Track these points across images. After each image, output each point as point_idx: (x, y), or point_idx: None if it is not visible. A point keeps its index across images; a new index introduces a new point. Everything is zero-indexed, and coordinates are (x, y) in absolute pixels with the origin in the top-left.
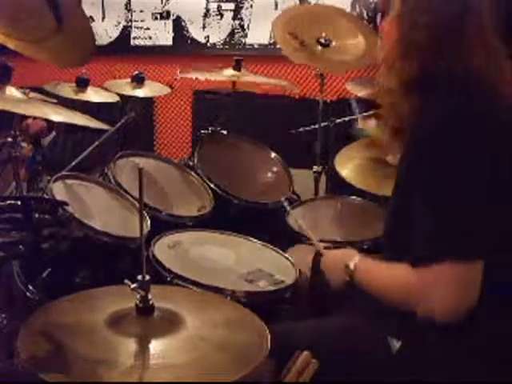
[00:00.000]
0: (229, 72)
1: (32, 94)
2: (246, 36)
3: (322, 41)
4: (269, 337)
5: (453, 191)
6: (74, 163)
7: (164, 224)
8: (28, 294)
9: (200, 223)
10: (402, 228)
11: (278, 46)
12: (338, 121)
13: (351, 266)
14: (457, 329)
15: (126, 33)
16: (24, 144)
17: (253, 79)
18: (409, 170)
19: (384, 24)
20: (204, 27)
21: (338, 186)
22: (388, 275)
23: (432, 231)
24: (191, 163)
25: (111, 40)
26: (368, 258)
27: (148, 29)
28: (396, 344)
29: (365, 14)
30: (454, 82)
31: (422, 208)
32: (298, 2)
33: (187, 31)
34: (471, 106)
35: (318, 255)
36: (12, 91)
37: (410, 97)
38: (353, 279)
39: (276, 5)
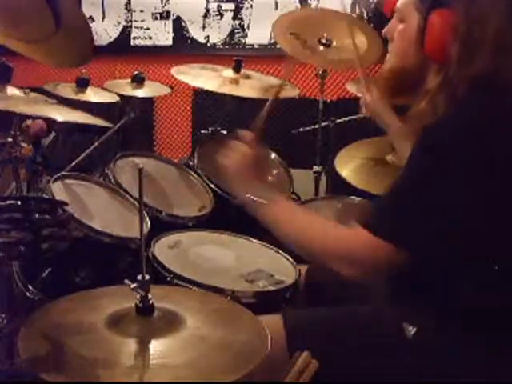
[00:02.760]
0: (228, 72)
1: (32, 94)
2: (245, 36)
3: (324, 41)
4: (269, 337)
5: (420, 186)
6: (74, 163)
7: (164, 224)
8: (28, 294)
9: (200, 223)
10: None
11: (278, 46)
12: (338, 121)
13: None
14: (472, 315)
15: (126, 33)
16: (24, 144)
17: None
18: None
19: (390, 27)
20: (204, 27)
21: (338, 186)
22: (311, 219)
23: (382, 205)
24: (191, 163)
25: (111, 40)
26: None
27: (148, 29)
28: (411, 330)
29: (365, 14)
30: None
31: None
32: (298, 2)
33: (187, 31)
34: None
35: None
36: (13, 91)
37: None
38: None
39: (276, 5)
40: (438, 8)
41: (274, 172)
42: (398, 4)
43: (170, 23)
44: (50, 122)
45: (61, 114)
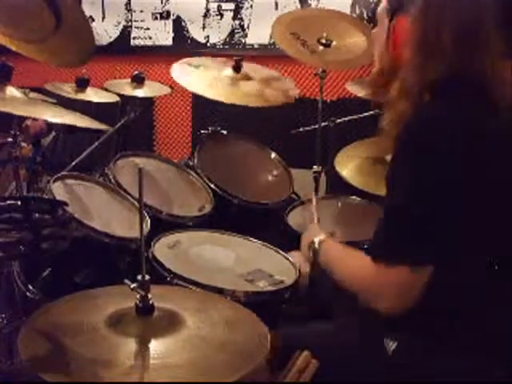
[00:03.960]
0: (228, 72)
1: (32, 94)
2: (245, 36)
3: (323, 41)
4: (269, 337)
5: (413, 195)
6: (74, 163)
7: (164, 224)
8: (28, 294)
9: (200, 223)
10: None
11: (278, 46)
12: (338, 121)
13: (316, 241)
14: (452, 330)
15: (126, 33)
16: (24, 144)
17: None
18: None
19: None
20: (204, 27)
21: (338, 186)
22: (349, 262)
23: (387, 234)
24: (191, 163)
25: (111, 40)
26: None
27: (148, 29)
28: (392, 345)
29: (365, 14)
30: (467, 84)
31: (384, 207)
32: (297, 2)
33: (187, 31)
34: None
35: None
36: (12, 91)
37: (406, 98)
38: (316, 256)
39: (276, 5)
40: (400, 14)
41: (274, 172)
42: (378, 9)
43: (169, 23)
44: (51, 122)
45: (58, 116)
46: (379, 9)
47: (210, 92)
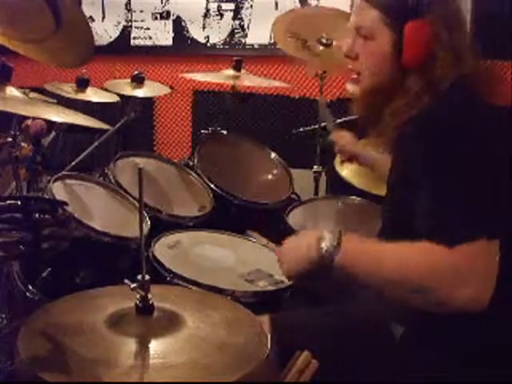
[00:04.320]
0: (229, 72)
1: (32, 94)
2: (245, 36)
3: (324, 41)
4: (269, 337)
5: (459, 178)
6: (73, 163)
7: (164, 224)
8: (28, 294)
9: (200, 223)
10: (404, 223)
11: (278, 46)
12: (338, 121)
13: (326, 245)
14: (460, 314)
15: (126, 33)
16: (24, 144)
17: (253, 81)
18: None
19: (353, 46)
20: (204, 27)
21: (338, 186)
22: (404, 255)
23: (453, 214)
24: (191, 163)
25: (111, 40)
26: (350, 235)
27: (148, 29)
28: (399, 329)
29: None
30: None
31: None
32: (297, 2)
33: (187, 31)
34: (472, 105)
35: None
36: (12, 91)
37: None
38: (333, 263)
39: (276, 5)
40: (411, 20)
41: (274, 172)
42: (361, 22)
43: (169, 23)
44: (51, 122)
45: (59, 115)
46: (369, 22)
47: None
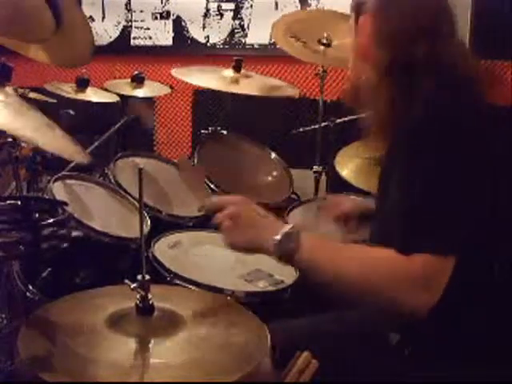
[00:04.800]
0: (229, 72)
1: (32, 94)
2: (245, 36)
3: (324, 41)
4: (269, 337)
5: (429, 188)
6: (73, 163)
7: (164, 224)
8: (28, 294)
9: (200, 223)
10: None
11: (278, 46)
12: (338, 121)
13: (282, 233)
14: (455, 321)
15: (126, 33)
16: (24, 144)
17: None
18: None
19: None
20: (204, 27)
21: (338, 186)
22: (369, 257)
23: (413, 224)
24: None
25: (111, 40)
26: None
27: (148, 29)
28: (395, 337)
29: None
30: (431, 71)
31: (402, 203)
32: (297, 2)
33: (187, 31)
34: (458, 105)
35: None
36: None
37: (385, 86)
38: (293, 258)
39: (276, 5)
40: (361, 14)
41: (274, 172)
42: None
43: (169, 23)
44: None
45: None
46: (350, 21)
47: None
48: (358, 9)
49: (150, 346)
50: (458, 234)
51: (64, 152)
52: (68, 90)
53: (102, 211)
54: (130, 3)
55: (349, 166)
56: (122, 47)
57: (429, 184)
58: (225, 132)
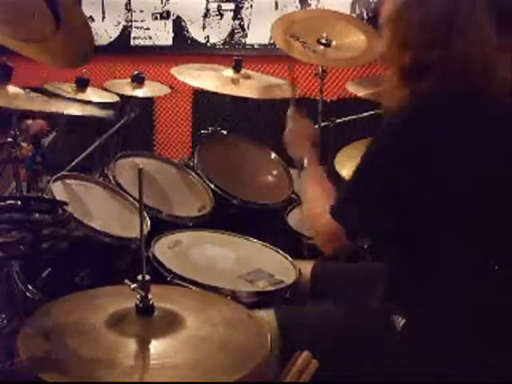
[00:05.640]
0: (229, 72)
1: (32, 94)
2: (245, 36)
3: (323, 41)
4: (269, 337)
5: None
6: (73, 163)
7: (164, 224)
8: (28, 293)
9: (200, 223)
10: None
11: (277, 46)
12: (338, 121)
13: (304, 163)
14: (461, 305)
15: (126, 33)
16: (24, 144)
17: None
18: None
19: None
20: (204, 27)
21: (338, 186)
22: (317, 197)
23: (341, 196)
24: (191, 163)
25: (111, 40)
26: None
27: (148, 29)
28: (400, 321)
29: (365, 14)
30: (444, 72)
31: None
32: (297, 2)
33: (187, 31)
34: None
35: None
36: (14, 89)
37: (403, 86)
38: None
39: (276, 5)
40: None
41: (274, 172)
42: None
43: (169, 23)
44: (51, 121)
45: (61, 108)
46: None
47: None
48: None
49: (150, 346)
50: (359, 215)
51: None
52: (68, 90)
53: (101, 211)
54: (129, 3)
55: (349, 165)
56: (122, 47)
57: (361, 163)
58: (225, 132)
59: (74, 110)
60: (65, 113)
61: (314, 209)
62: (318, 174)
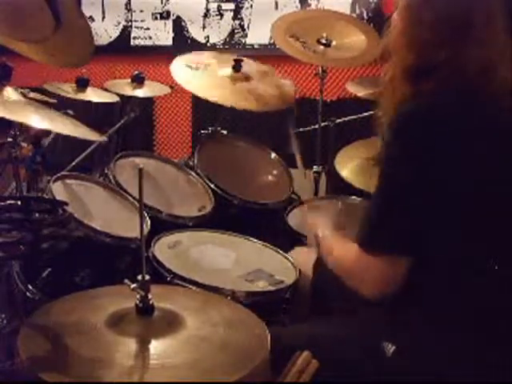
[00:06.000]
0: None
1: (32, 94)
2: (245, 36)
3: (323, 41)
4: (269, 337)
5: (397, 188)
6: (73, 163)
7: (164, 224)
8: (28, 293)
9: (200, 223)
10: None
11: (278, 47)
12: (338, 121)
13: (319, 234)
14: (461, 305)
15: (126, 33)
16: (24, 144)
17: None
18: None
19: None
20: (204, 27)
21: (338, 186)
22: (341, 252)
23: (370, 223)
24: (191, 163)
25: (111, 40)
26: (336, 233)
27: (148, 29)
28: (390, 348)
29: (365, 14)
30: (450, 72)
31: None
32: (297, 2)
33: (187, 31)
34: (446, 104)
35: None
36: (9, 92)
37: (406, 85)
38: (319, 248)
39: (276, 5)
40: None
41: (274, 172)
42: None
43: (169, 23)
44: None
45: (45, 122)
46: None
47: (209, 93)
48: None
49: (150, 346)
50: (406, 233)
51: (84, 135)
52: (68, 90)
53: (101, 211)
54: (129, 3)
55: (349, 166)
56: (122, 47)
57: (382, 182)
58: (225, 132)
59: (65, 129)
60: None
61: (343, 262)
62: (335, 237)
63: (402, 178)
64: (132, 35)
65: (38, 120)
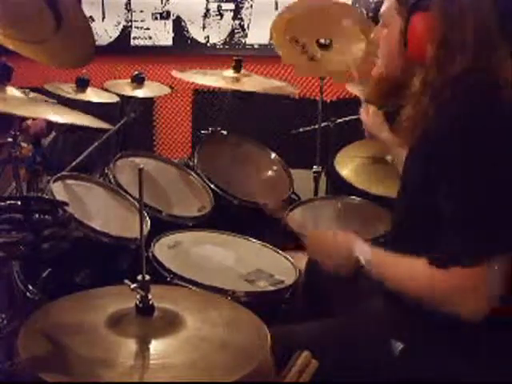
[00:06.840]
0: (229, 73)
1: (32, 94)
2: (245, 36)
3: (323, 41)
4: (269, 337)
5: (480, 194)
6: (74, 163)
7: (164, 224)
8: (28, 293)
9: (200, 223)
10: (418, 224)
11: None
12: (338, 121)
13: (362, 260)
14: (460, 330)
15: (126, 33)
16: (24, 144)
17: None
18: (429, 166)
19: (376, 34)
20: (204, 27)
21: (338, 186)
22: (410, 272)
23: (458, 235)
24: (191, 163)
25: (111, 40)
26: (377, 249)
27: (148, 29)
28: (398, 346)
29: (365, 14)
30: (481, 81)
31: (449, 211)
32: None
33: (187, 31)
34: (494, 105)
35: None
36: (13, 91)
37: (445, 88)
38: (366, 272)
39: (276, 5)
40: (419, 11)
41: (274, 172)
42: (382, 9)
43: (169, 23)
44: (51, 121)
45: (60, 116)
46: (385, 9)
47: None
48: (411, 5)
49: (150, 346)
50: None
51: (92, 123)
52: (68, 91)
53: (101, 211)
54: (129, 3)
55: (349, 166)
56: (122, 47)
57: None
58: (225, 132)
59: (70, 118)
60: (59, 121)
61: (426, 286)
62: (381, 254)
63: (496, 177)
64: (132, 35)
65: (57, 115)
